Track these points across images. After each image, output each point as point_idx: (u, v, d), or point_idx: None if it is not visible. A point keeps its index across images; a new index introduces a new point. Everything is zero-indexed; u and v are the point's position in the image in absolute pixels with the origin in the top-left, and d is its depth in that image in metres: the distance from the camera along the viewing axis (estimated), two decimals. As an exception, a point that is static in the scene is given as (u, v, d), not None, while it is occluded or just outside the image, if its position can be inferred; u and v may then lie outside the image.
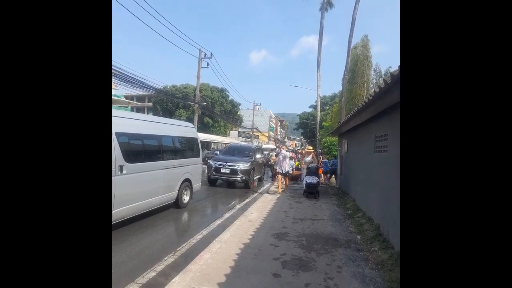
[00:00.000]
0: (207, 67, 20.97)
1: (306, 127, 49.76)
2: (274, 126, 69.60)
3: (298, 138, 76.91)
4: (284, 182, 9.58)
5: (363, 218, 5.63)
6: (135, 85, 15.66)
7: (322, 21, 20.59)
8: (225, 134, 40.37)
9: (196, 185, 6.96)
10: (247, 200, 7.98)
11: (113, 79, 11.41)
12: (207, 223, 5.43)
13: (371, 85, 19.96)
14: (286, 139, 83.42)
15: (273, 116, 71.04)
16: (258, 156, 10.96)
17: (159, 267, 3.43)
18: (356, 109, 5.69)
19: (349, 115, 6.73)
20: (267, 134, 55.75)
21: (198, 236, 4.67)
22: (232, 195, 8.59)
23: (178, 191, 6.12)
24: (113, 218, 4.12)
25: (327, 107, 36.36)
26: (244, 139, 43.56)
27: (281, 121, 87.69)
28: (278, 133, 78.50)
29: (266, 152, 15.76)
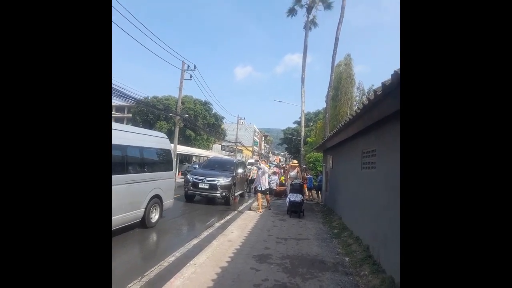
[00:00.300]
0: (190, 79, 20.66)
1: (290, 142, 49.94)
2: (258, 140, 69.57)
3: (282, 154, 77.05)
4: (264, 200, 8.77)
5: (351, 237, 5.31)
6: (116, 95, 15.07)
7: (306, 39, 20.99)
8: (208, 147, 39.70)
9: (168, 202, 6.28)
10: (228, 217, 7.51)
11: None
12: (182, 243, 4.93)
13: (355, 102, 20.29)
14: (270, 154, 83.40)
15: (257, 130, 71.12)
16: (240, 170, 10.37)
17: (120, 297, 2.93)
18: (342, 123, 5.50)
19: (334, 130, 6.54)
20: (251, 149, 55.41)
21: (171, 259, 4.17)
22: (211, 212, 8.05)
23: (145, 208, 5.43)
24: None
25: (311, 123, 36.71)
26: (227, 153, 42.99)
27: (265, 136, 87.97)
28: (262, 148, 78.44)
29: (248, 167, 15.37)
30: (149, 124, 36.90)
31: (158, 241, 5.28)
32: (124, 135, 5.06)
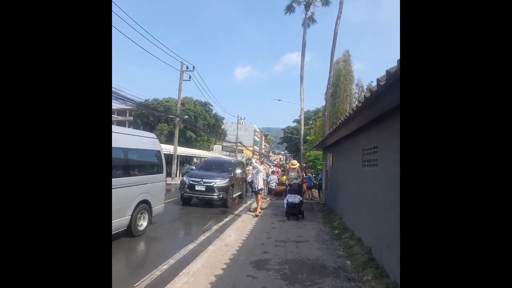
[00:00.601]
0: (189, 80, 20.54)
1: (291, 141, 49.76)
2: (258, 140, 69.39)
3: (282, 153, 76.81)
4: (264, 200, 8.58)
5: (352, 239, 5.11)
6: (116, 98, 14.92)
7: (304, 36, 20.76)
8: (208, 148, 39.54)
9: (158, 207, 5.84)
10: (226, 219, 7.32)
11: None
12: (177, 249, 4.73)
13: (354, 99, 20.07)
14: (271, 153, 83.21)
15: (258, 130, 70.95)
16: (238, 171, 10.08)
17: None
18: (342, 119, 5.30)
19: (334, 126, 6.34)
20: (251, 149, 55.21)
21: (164, 267, 3.97)
22: (208, 215, 7.83)
23: (131, 216, 4.97)
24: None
25: (311, 122, 36.50)
26: (228, 153, 42.82)
27: (266, 135, 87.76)
28: (263, 147, 78.25)
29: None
30: (150, 126, 36.76)
31: (150, 249, 5.06)
32: None
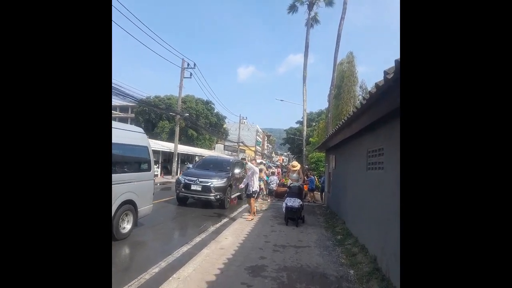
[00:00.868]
0: (190, 78, 20.32)
1: (293, 142, 49.48)
2: (261, 140, 69.13)
3: (285, 154, 76.48)
4: (255, 205, 7.75)
5: (355, 245, 4.83)
6: (118, 95, 14.73)
7: (307, 36, 20.50)
8: (210, 147, 39.33)
9: (144, 208, 5.37)
10: (224, 220, 7.06)
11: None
12: (170, 251, 4.48)
13: (357, 101, 19.77)
14: (273, 154, 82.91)
15: (260, 130, 70.70)
16: (237, 170, 9.69)
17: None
18: (345, 118, 5.03)
19: (337, 127, 6.07)
20: (253, 149, 54.95)
21: (155, 270, 3.73)
22: (205, 216, 7.50)
23: (113, 217, 4.60)
24: None
25: (314, 123, 36.21)
26: (230, 153, 42.57)
27: (268, 136, 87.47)
28: (265, 148, 77.97)
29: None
30: (151, 123, 36.62)
31: (142, 250, 4.80)
32: None
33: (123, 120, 50.39)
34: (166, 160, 23.72)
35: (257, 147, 61.17)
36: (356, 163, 5.72)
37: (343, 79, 20.13)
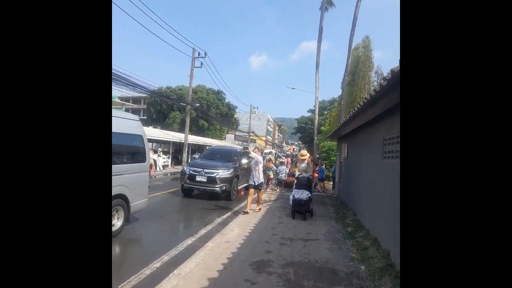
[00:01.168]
0: (200, 67, 20.02)
1: (304, 131, 48.88)
2: (271, 130, 68.71)
3: (296, 143, 75.85)
4: (257, 196, 7.02)
5: (367, 239, 4.57)
6: (129, 86, 14.72)
7: (321, 20, 19.78)
8: (221, 137, 39.33)
9: (138, 202, 4.87)
10: (231, 212, 6.91)
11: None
12: (173, 244, 4.36)
13: (372, 88, 19.04)
14: (284, 144, 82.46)
15: (271, 120, 70.19)
16: (244, 161, 9.25)
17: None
18: (360, 104, 4.68)
19: (350, 114, 5.72)
20: (264, 138, 54.69)
21: (156, 264, 3.60)
22: (211, 208, 7.27)
23: None
24: None
25: (326, 112, 35.49)
26: (241, 142, 42.44)
27: (279, 126, 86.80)
28: (276, 137, 77.54)
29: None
30: (163, 114, 36.85)
31: (144, 243, 4.69)
32: None
33: (135, 111, 50.99)
34: (177, 150, 23.81)
35: (268, 136, 60.87)
36: (370, 152, 5.39)
37: (357, 64, 19.36)
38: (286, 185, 11.20)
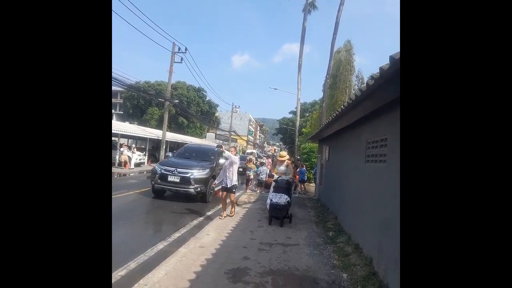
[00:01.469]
0: (181, 62, 19.44)
1: (286, 132, 49.12)
2: (253, 130, 68.56)
3: (277, 144, 76.23)
4: (230, 201, 6.19)
5: (349, 244, 4.42)
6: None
7: (304, 22, 19.81)
8: (201, 135, 38.63)
9: None
10: (209, 213, 6.60)
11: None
12: (143, 249, 4.00)
13: (353, 91, 19.29)
14: (265, 144, 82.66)
15: (253, 120, 70.06)
16: (222, 160, 8.39)
17: None
18: (342, 107, 4.54)
19: (333, 115, 5.58)
20: (246, 138, 54.41)
21: (121, 273, 3.24)
22: (186, 209, 6.93)
23: None
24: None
25: (307, 114, 35.80)
26: (222, 141, 41.89)
27: (261, 126, 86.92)
28: (258, 137, 77.51)
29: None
30: (140, 110, 35.58)
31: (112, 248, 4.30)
32: None
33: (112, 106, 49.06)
34: (154, 147, 23.01)
35: (249, 136, 60.65)
36: (352, 155, 5.27)
37: (339, 68, 19.58)
38: (266, 186, 10.99)
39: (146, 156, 19.72)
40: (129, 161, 15.87)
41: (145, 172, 15.01)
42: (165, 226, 5.40)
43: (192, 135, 34.06)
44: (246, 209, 7.23)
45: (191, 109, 33.27)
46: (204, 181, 7.45)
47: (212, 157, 8.41)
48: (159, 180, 7.39)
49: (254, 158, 13.77)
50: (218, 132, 45.25)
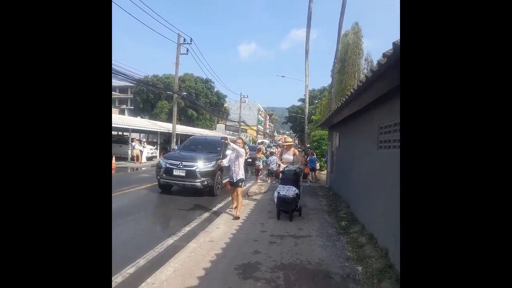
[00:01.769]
0: (187, 54, 19.27)
1: (295, 121, 48.67)
2: (262, 119, 68.20)
3: (287, 132, 75.73)
4: (237, 198, 5.57)
5: (362, 234, 4.27)
6: (116, 75, 13.98)
7: (310, 4, 19.10)
8: (211, 127, 38.68)
9: None
10: (220, 205, 6.53)
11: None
12: (153, 245, 3.96)
13: (362, 75, 18.70)
14: (275, 133, 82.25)
15: (262, 109, 69.57)
16: (229, 152, 7.80)
17: None
18: (352, 89, 4.30)
19: (342, 100, 5.34)
20: (255, 128, 54.21)
21: (130, 270, 3.20)
22: (195, 203, 6.86)
23: None
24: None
25: (316, 101, 35.21)
26: (232, 132, 41.86)
27: (270, 115, 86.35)
28: (267, 127, 77.16)
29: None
30: (150, 104, 35.81)
31: (119, 245, 4.28)
32: None
33: (122, 101, 49.61)
34: (165, 141, 23.17)
35: (259, 126, 60.41)
36: (364, 141, 5.05)
37: (347, 51, 18.98)
38: (277, 176, 10.87)
39: (158, 150, 19.89)
40: (141, 155, 16.03)
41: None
42: (174, 221, 5.36)
43: (202, 127, 34.15)
44: (257, 200, 7.15)
45: (199, 101, 33.22)
46: (211, 174, 7.21)
47: (218, 148, 8.12)
48: (164, 175, 7.19)
49: (263, 148, 13.62)
50: (227, 123, 45.20)
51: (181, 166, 7.08)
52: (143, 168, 13.97)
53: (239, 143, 5.65)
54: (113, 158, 14.02)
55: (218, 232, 4.44)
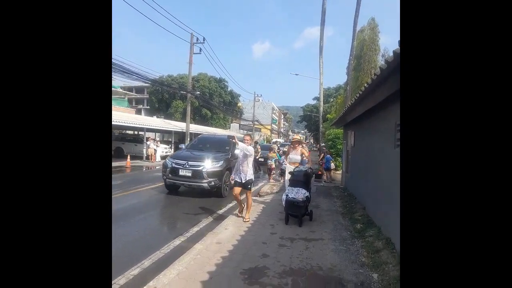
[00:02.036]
0: (200, 53, 19.32)
1: (310, 119, 48.05)
2: (277, 118, 67.85)
3: (302, 131, 74.99)
4: (245, 201, 5.29)
5: (379, 238, 4.01)
6: (130, 75, 14.22)
7: (324, 1, 18.71)
8: (225, 126, 38.79)
9: None
10: (230, 205, 6.40)
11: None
12: (159, 246, 3.88)
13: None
14: (290, 132, 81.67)
15: (276, 108, 69.22)
16: (237, 151, 7.26)
17: None
18: (366, 84, 4.04)
19: (356, 96, 5.07)
20: (269, 127, 53.98)
21: (134, 271, 3.12)
22: (204, 203, 6.83)
23: None
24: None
25: (332, 99, 34.54)
26: (246, 131, 41.84)
27: (285, 114, 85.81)
28: (282, 126, 76.71)
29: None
30: (165, 103, 36.34)
31: (125, 244, 4.20)
32: None
33: (139, 101, 50.63)
34: (180, 140, 23.42)
35: (273, 125, 60.14)
36: (380, 140, 4.77)
37: (363, 48, 18.43)
38: (282, 174, 10.66)
39: (172, 149, 20.10)
40: (155, 153, 16.22)
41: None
42: (181, 221, 5.25)
43: (216, 126, 34.30)
44: (268, 200, 6.97)
45: (213, 100, 33.37)
46: (218, 174, 6.88)
47: (227, 147, 7.84)
48: (170, 175, 6.91)
49: (276, 147, 13.41)
50: (242, 123, 45.20)
51: (187, 166, 6.81)
52: (157, 167, 14.09)
53: (246, 140, 5.21)
54: (128, 157, 14.31)
55: (226, 233, 4.30)
